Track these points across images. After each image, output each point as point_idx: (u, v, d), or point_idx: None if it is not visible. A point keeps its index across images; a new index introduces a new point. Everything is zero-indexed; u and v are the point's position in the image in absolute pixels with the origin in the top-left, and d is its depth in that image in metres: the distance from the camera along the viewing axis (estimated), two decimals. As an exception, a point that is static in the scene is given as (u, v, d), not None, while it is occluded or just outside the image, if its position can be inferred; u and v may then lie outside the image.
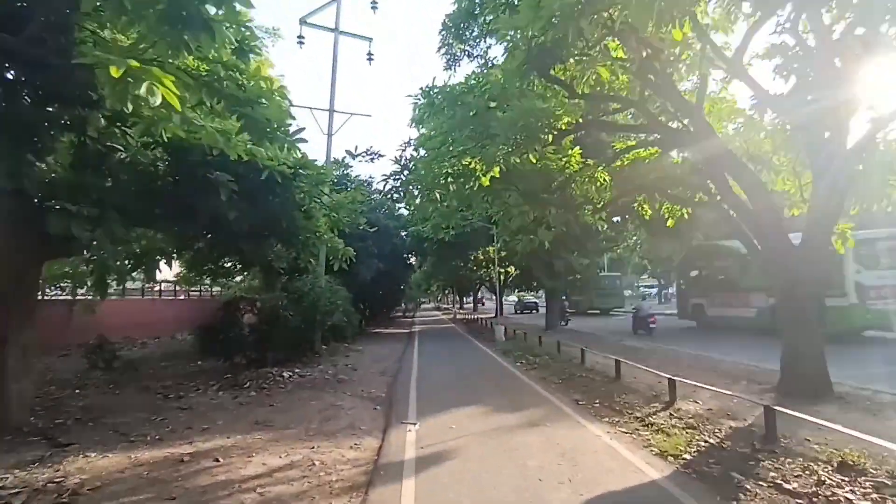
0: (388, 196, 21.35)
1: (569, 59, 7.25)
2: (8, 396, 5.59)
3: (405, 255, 26.74)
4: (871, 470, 3.92)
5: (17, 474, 4.35)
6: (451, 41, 12.16)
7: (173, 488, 4.11)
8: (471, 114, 8.17)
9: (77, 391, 8.35)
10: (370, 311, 25.06)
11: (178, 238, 8.12)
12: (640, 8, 4.52)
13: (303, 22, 14.78)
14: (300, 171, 7.83)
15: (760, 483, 3.88)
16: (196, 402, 7.51)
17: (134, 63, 2.63)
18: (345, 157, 20.31)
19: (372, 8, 14.97)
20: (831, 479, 3.81)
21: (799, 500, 3.57)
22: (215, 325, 10.53)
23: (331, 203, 9.53)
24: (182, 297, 21.40)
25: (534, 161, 9.04)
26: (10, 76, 5.45)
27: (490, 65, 13.07)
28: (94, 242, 5.47)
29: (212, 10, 3.21)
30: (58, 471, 4.46)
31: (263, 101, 4.41)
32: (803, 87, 6.67)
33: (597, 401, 7.05)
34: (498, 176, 8.85)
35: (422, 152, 12.20)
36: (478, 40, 12.20)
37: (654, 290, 46.96)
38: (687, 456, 4.62)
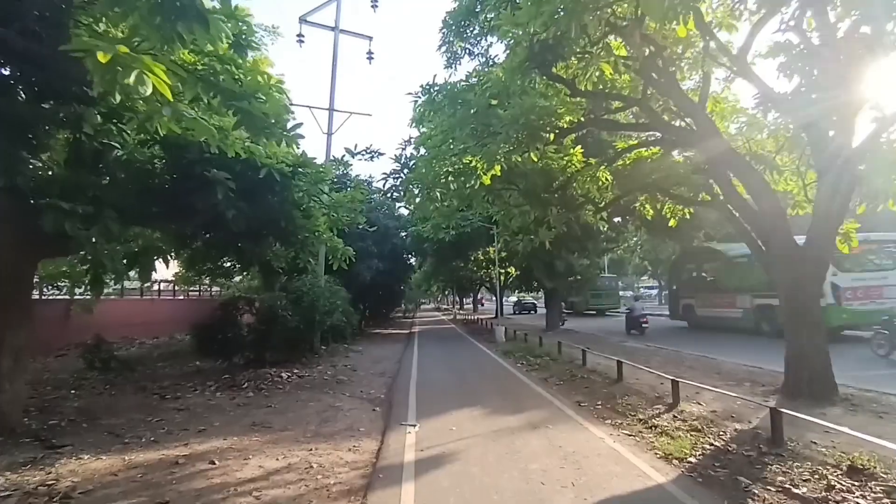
0: (388, 195, 21.20)
1: (571, 56, 7.18)
2: (1, 397, 5.50)
3: (405, 256, 26.61)
4: (881, 474, 3.84)
5: (8, 476, 4.27)
6: (451, 39, 12.03)
7: (167, 491, 4.03)
8: (472, 112, 8.07)
9: (73, 392, 8.27)
10: (370, 311, 24.97)
11: (175, 237, 8.04)
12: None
13: (303, 20, 14.74)
14: (299, 169, 7.77)
15: (769, 487, 3.79)
16: (193, 403, 7.43)
17: (123, 48, 2.55)
18: (344, 156, 20.18)
19: (372, 6, 14.94)
20: (841, 484, 3.73)
21: (808, 506, 3.49)
22: (213, 324, 10.46)
23: (330, 202, 9.44)
24: (181, 297, 21.34)
25: (535, 160, 8.94)
26: (5, 72, 5.38)
27: (491, 63, 12.97)
28: (90, 241, 5.40)
29: (206, 1, 3.13)
30: (50, 473, 4.39)
31: (261, 95, 4.32)
32: (807, 86, 6.60)
33: (599, 402, 6.97)
34: (499, 174, 8.76)
35: (422, 151, 12.10)
36: (479, 38, 12.08)
37: (655, 291, 46.96)
38: (692, 459, 4.54)
